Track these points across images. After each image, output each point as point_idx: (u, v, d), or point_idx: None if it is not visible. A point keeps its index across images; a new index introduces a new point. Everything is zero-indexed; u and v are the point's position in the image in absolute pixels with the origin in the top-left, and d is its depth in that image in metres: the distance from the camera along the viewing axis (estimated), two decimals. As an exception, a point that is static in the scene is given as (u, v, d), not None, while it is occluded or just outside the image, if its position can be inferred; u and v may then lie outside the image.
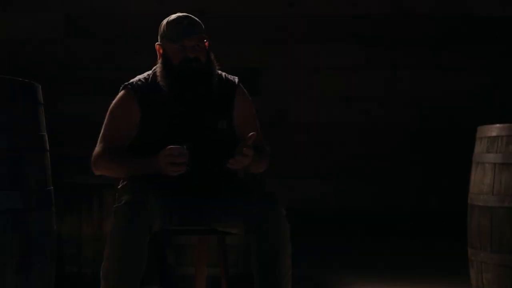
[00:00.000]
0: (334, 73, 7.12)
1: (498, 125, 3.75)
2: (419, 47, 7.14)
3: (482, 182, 3.78)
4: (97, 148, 3.08)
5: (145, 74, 3.17)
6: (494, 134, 3.72)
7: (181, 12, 3.14)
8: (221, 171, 3.06)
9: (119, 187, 3.05)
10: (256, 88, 6.95)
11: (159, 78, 3.08)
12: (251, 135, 2.90)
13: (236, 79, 3.20)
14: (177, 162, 2.87)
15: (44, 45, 6.97)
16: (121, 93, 3.12)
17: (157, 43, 3.14)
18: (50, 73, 6.93)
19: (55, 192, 4.27)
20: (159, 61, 3.11)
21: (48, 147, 2.54)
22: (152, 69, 3.16)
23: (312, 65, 7.11)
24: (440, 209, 7.04)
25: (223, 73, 3.21)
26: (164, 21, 3.12)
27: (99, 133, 3.13)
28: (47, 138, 2.55)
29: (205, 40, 3.11)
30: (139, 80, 3.14)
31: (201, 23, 3.11)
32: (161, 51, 3.12)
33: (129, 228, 2.80)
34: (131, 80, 3.14)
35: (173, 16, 3.12)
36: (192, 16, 3.12)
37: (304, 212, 6.83)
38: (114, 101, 3.13)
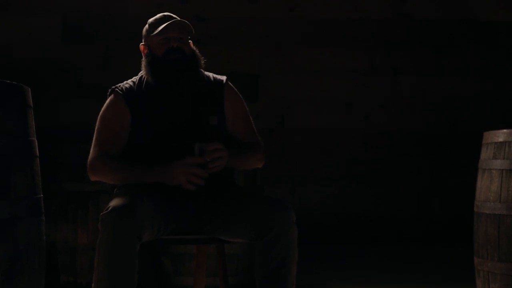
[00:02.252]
0: (335, 78, 7.07)
1: (505, 130, 3.65)
2: (421, 52, 7.09)
3: (488, 189, 3.68)
4: (93, 154, 3.02)
5: (132, 79, 3.18)
6: (501, 139, 3.62)
7: (181, 18, 3.13)
8: (216, 176, 3.00)
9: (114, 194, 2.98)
10: (256, 93, 6.91)
11: (145, 74, 3.08)
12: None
13: (224, 78, 3.17)
14: (199, 175, 2.82)
15: (41, 49, 6.91)
16: (110, 97, 3.12)
17: (141, 43, 3.13)
18: (48, 78, 6.88)
19: (50, 199, 4.21)
20: (144, 60, 3.10)
21: (37, 153, 2.46)
22: (138, 74, 3.14)
23: (313, 70, 7.06)
24: (443, 214, 6.99)
25: (211, 74, 3.19)
26: (147, 23, 3.14)
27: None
28: (36, 144, 2.46)
29: (189, 38, 3.10)
30: (126, 83, 3.15)
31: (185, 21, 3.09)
32: (145, 51, 3.11)
33: (116, 236, 2.70)
34: (118, 84, 3.12)
35: (155, 16, 3.14)
36: (175, 15, 3.14)
37: (306, 218, 6.75)
38: (104, 106, 3.11)
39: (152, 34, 3.08)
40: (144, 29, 3.15)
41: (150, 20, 3.14)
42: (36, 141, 2.46)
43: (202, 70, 3.15)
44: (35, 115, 2.63)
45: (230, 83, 3.19)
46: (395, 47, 7.10)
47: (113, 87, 3.12)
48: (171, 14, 3.13)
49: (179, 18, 3.11)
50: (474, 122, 7.01)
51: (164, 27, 3.03)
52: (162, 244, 3.11)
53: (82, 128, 6.39)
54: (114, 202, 2.78)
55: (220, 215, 2.96)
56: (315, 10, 7.06)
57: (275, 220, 2.81)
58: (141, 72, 3.14)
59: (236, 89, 3.21)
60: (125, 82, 3.15)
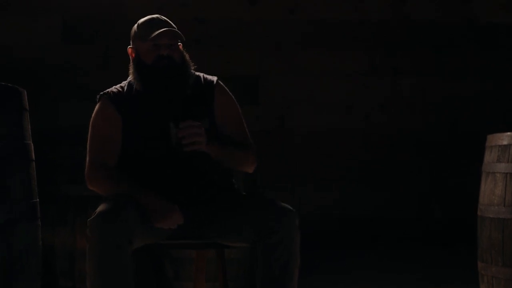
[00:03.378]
0: (335, 78, 7.04)
1: (509, 133, 3.61)
2: (421, 52, 7.06)
3: (492, 192, 3.65)
4: (89, 164, 2.96)
5: (121, 84, 3.14)
6: (505, 142, 3.59)
7: (181, 19, 3.09)
8: (215, 179, 2.96)
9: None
10: (256, 94, 6.87)
11: (133, 81, 3.03)
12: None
13: (215, 79, 3.12)
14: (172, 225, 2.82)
15: (41, 50, 6.88)
16: (99, 104, 3.08)
17: (129, 46, 3.07)
18: (48, 78, 6.84)
19: (48, 203, 4.16)
20: (131, 65, 3.05)
21: (33, 157, 2.41)
22: (127, 79, 3.09)
23: (313, 70, 7.03)
24: (443, 214, 6.96)
25: (201, 74, 3.14)
26: (135, 24, 3.07)
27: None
28: (32, 147, 2.42)
29: (179, 42, 3.03)
30: (115, 88, 3.10)
31: (174, 25, 3.05)
32: (133, 55, 3.06)
33: (104, 241, 2.64)
34: (107, 90, 3.07)
35: (144, 18, 3.09)
36: (165, 18, 3.08)
37: (305, 218, 6.72)
38: (94, 113, 3.06)
39: (141, 40, 3.02)
40: (133, 30, 3.09)
41: (140, 21, 3.09)
42: (32, 144, 2.42)
43: (193, 71, 3.10)
44: (35, 116, 2.60)
45: (221, 83, 3.14)
46: (395, 47, 7.07)
47: (101, 93, 3.08)
48: (160, 17, 3.08)
49: (169, 21, 3.06)
50: (474, 122, 6.98)
51: (155, 35, 2.97)
52: (162, 248, 3.07)
53: (81, 131, 6.36)
54: (100, 208, 2.72)
55: (219, 219, 2.93)
56: (315, 11, 7.03)
57: (279, 222, 2.78)
58: (129, 77, 3.09)
59: (228, 90, 3.15)
60: (113, 87, 3.10)
